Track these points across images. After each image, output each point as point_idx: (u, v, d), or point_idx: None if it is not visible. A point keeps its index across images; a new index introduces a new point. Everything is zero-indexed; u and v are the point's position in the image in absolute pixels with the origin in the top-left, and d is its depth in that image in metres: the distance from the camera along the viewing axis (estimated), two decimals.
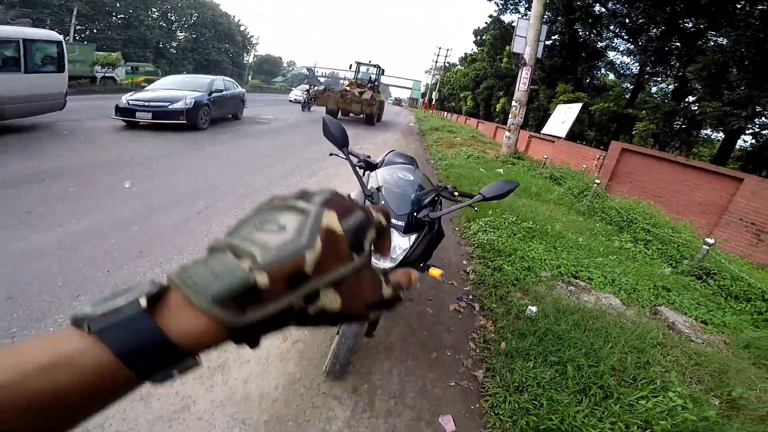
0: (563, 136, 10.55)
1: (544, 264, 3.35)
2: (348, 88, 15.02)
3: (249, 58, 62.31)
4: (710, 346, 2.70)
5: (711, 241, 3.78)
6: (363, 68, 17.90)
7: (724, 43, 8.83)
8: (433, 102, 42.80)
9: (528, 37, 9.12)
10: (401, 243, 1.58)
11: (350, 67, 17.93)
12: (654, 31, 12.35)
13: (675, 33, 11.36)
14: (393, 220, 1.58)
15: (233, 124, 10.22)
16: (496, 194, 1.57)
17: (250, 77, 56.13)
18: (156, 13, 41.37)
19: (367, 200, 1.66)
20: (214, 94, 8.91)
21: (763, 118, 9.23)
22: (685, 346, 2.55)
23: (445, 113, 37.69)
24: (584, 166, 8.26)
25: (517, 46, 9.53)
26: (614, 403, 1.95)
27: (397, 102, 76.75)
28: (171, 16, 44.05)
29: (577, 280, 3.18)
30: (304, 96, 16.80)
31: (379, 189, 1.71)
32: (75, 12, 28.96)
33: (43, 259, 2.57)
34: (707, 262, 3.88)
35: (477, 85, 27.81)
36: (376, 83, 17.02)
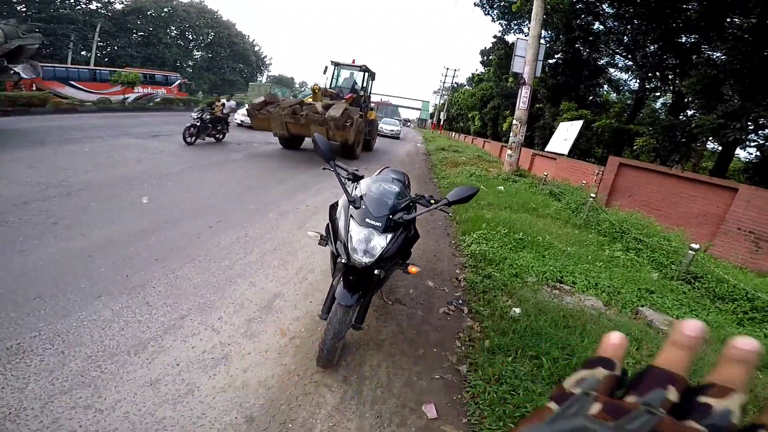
0: (566, 153, 10.72)
1: (531, 270, 3.55)
2: (309, 101, 9.13)
3: (262, 79, 64.13)
4: None
5: (696, 246, 3.92)
6: (344, 72, 12.03)
7: (716, 56, 9.07)
8: (441, 122, 43.72)
9: (527, 57, 9.52)
10: (380, 241, 1.88)
11: (324, 71, 11.64)
12: (650, 47, 12.66)
13: (670, 48, 11.64)
14: (372, 221, 1.89)
15: None
16: (460, 198, 1.88)
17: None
18: (174, 32, 42.51)
19: (350, 205, 1.97)
20: None
21: (767, 130, 9.30)
22: (660, 341, 2.70)
23: (453, 133, 38.36)
24: (584, 182, 8.43)
25: (517, 65, 9.94)
26: None
27: (405, 123, 77.99)
28: (189, 35, 45.26)
29: (562, 284, 3.37)
30: (197, 114, 9.12)
31: (362, 197, 2.02)
32: (98, 28, 30.42)
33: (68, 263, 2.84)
34: (694, 267, 4.01)
35: (484, 105, 28.28)
36: (363, 93, 11.54)
